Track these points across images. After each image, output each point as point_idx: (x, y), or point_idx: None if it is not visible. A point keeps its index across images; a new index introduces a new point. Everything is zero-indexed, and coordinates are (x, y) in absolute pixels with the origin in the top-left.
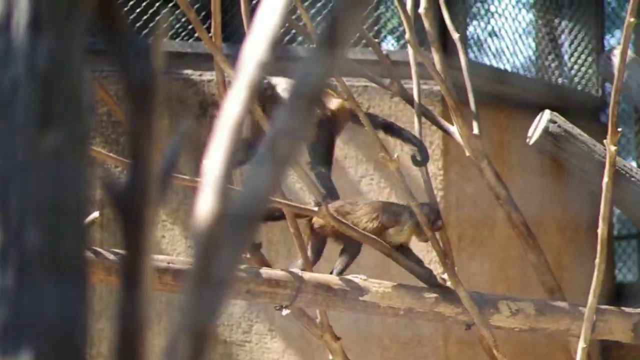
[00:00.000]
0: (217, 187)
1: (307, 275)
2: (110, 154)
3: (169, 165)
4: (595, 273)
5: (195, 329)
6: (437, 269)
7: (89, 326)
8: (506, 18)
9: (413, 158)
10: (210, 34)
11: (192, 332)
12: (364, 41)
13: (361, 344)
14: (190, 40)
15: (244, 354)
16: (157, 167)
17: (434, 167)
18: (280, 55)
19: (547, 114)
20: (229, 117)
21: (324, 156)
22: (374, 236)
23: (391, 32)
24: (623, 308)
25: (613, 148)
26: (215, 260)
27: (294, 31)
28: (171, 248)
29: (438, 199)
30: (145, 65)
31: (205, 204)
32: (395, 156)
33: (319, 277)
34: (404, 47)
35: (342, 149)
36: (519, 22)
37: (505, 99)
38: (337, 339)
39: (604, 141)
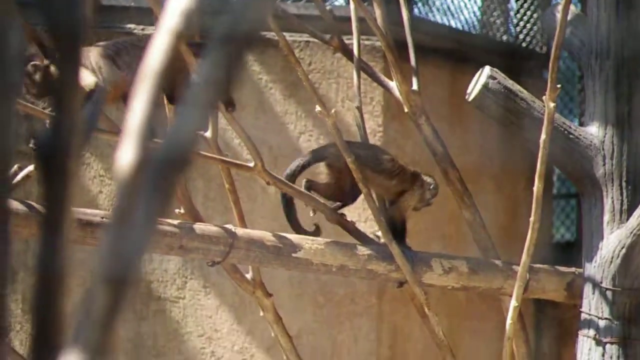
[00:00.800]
0: (139, 135)
1: (240, 231)
2: (39, 108)
3: (93, 116)
4: (530, 231)
5: (113, 277)
6: (372, 227)
7: (10, 275)
8: None
9: None
10: None
11: (110, 280)
12: None
13: (295, 302)
14: None
15: (177, 311)
16: (80, 118)
17: (374, 123)
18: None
19: (486, 70)
20: (151, 66)
21: None
22: (315, 197)
23: None
24: (557, 267)
25: (552, 105)
26: (136, 207)
27: None
28: (109, 203)
29: None
30: (72, 14)
31: (127, 151)
32: (333, 111)
33: (253, 234)
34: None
35: (282, 104)
36: None
37: (449, 55)
38: (269, 295)
39: (543, 98)
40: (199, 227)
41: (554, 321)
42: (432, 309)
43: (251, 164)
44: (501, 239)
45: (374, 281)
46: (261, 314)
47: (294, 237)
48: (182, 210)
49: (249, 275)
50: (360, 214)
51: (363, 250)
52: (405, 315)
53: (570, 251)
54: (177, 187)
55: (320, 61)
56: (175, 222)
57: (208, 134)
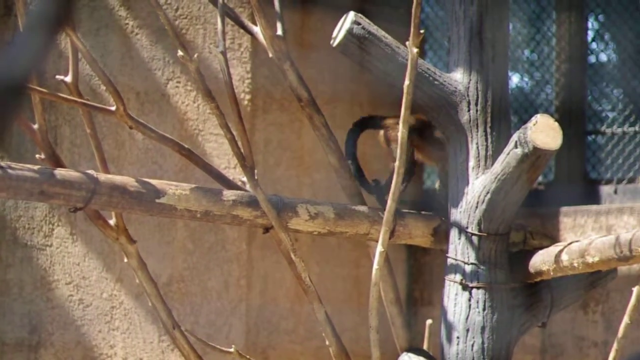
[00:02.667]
0: None
1: (102, 177)
2: None
3: None
4: (395, 176)
5: None
6: (241, 174)
7: None
8: None
9: None
10: None
11: None
12: None
13: (164, 248)
14: None
15: (44, 258)
16: None
17: (242, 69)
18: None
19: (351, 15)
20: None
21: None
22: None
23: None
24: (424, 212)
25: (415, 50)
26: None
27: None
28: None
29: (244, 103)
30: None
31: None
32: (195, 56)
33: (115, 179)
34: None
35: (149, 50)
36: None
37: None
38: (133, 242)
39: (406, 43)
40: (59, 172)
41: (424, 267)
42: (300, 255)
43: (113, 108)
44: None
45: (244, 228)
46: (125, 260)
47: (157, 182)
48: (42, 156)
49: (112, 222)
50: (229, 160)
51: (228, 196)
52: (275, 262)
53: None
54: (17, 116)
55: (187, 7)
56: (35, 167)
57: (68, 78)
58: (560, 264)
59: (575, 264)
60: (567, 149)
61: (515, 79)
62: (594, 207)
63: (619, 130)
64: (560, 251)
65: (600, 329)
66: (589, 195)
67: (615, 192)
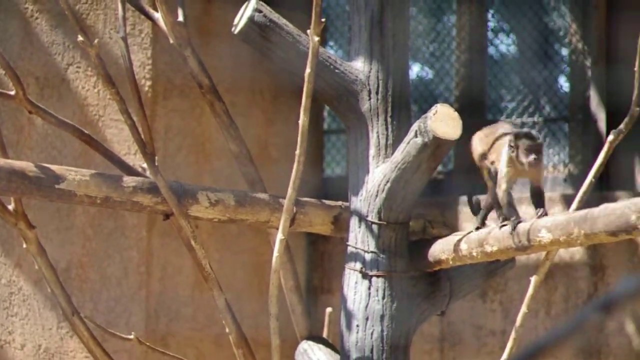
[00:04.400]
0: None
1: (1, 161)
2: None
3: None
4: (295, 165)
5: None
6: (141, 160)
7: None
8: None
9: None
10: None
11: None
12: None
13: (63, 234)
14: None
15: None
16: None
17: (143, 55)
18: None
19: (252, 2)
20: None
21: None
22: None
23: None
24: (324, 201)
25: (316, 38)
26: None
27: None
28: None
29: (145, 89)
30: None
31: None
32: (96, 42)
33: (14, 164)
34: None
35: (49, 35)
36: None
37: None
38: (32, 227)
39: (308, 31)
40: None
41: (325, 255)
42: (200, 242)
43: (12, 92)
44: (269, 173)
45: (144, 214)
46: (24, 245)
47: (56, 168)
48: None
49: (11, 207)
50: (130, 146)
51: (128, 182)
52: (175, 249)
53: (340, 186)
54: None
55: None
56: None
57: None
58: (459, 253)
59: (474, 253)
60: (467, 138)
61: (416, 69)
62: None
63: (518, 120)
64: (460, 240)
65: (498, 317)
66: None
67: None
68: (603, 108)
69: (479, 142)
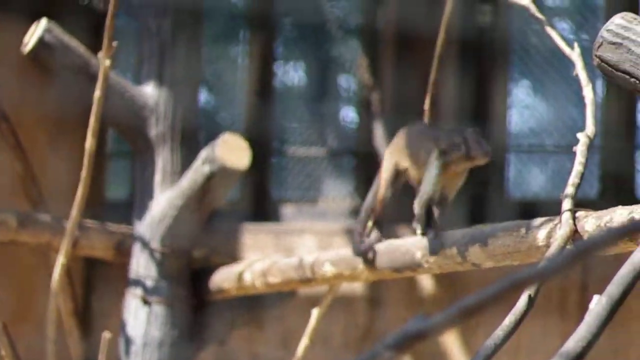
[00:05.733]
0: None
1: None
2: None
3: None
4: (80, 187)
5: None
6: None
7: None
8: None
9: None
10: None
11: None
12: None
13: None
14: None
15: None
16: None
17: None
18: None
19: (43, 22)
20: None
21: None
22: None
23: None
24: (108, 224)
25: (107, 62)
26: None
27: None
28: None
29: None
30: None
31: None
32: None
33: None
34: None
35: None
36: None
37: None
38: None
39: (98, 55)
40: None
41: (105, 279)
42: None
43: None
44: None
45: None
46: None
47: None
48: None
49: None
50: None
51: None
52: None
53: (125, 210)
54: None
55: None
56: None
57: None
58: (242, 282)
59: (257, 284)
60: (252, 167)
61: (205, 97)
62: (275, 226)
63: (302, 151)
64: (243, 270)
65: (276, 347)
66: (272, 214)
67: (297, 212)
68: (388, 143)
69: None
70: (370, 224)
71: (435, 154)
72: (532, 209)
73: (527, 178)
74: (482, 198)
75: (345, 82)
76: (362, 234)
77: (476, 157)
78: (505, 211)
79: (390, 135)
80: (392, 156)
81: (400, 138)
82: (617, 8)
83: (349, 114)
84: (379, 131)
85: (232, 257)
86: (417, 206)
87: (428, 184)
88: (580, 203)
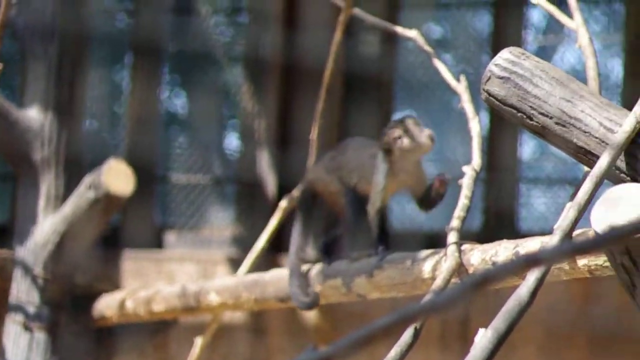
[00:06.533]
0: None
1: None
2: None
3: None
4: None
5: None
6: None
7: None
8: None
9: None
10: None
11: None
12: None
13: None
14: None
15: None
16: None
17: None
18: None
19: None
20: None
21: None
22: None
23: None
24: None
25: None
26: None
27: None
28: None
29: None
30: None
31: None
32: None
33: None
34: None
35: None
36: None
37: None
38: None
39: None
40: None
41: None
42: None
43: None
44: None
45: None
46: None
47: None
48: None
49: None
50: None
51: None
52: None
53: (5, 235)
54: None
55: None
56: None
57: None
58: (124, 310)
59: (140, 312)
60: (136, 194)
61: (90, 121)
62: (158, 253)
63: (185, 178)
64: (125, 297)
65: None
66: (155, 241)
67: (179, 239)
68: (274, 172)
69: (324, 172)
70: (306, 266)
71: (380, 156)
72: (417, 240)
73: (412, 209)
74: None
75: (230, 109)
76: (303, 283)
77: (421, 143)
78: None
79: (276, 164)
80: (333, 174)
81: (339, 156)
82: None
83: (232, 142)
84: (263, 159)
85: (115, 284)
86: (371, 214)
87: (376, 190)
88: (463, 235)
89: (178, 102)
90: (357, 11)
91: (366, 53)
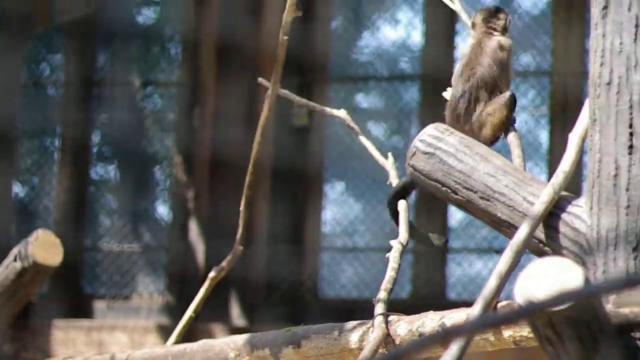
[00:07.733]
0: None
1: None
2: None
3: None
4: None
5: None
6: None
7: None
8: None
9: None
10: None
11: None
12: None
13: None
14: None
15: None
16: None
17: None
18: None
19: None
20: None
21: None
22: None
23: None
24: None
25: None
26: None
27: None
28: None
29: None
30: None
31: None
32: None
33: None
34: None
35: None
36: None
37: None
38: None
39: None
40: None
41: None
42: None
43: None
44: None
45: None
46: None
47: None
48: None
49: None
50: None
51: None
52: None
53: None
54: None
55: None
56: None
57: None
58: None
59: None
60: (64, 263)
61: (19, 190)
62: (86, 322)
63: (115, 247)
64: None
65: None
66: (83, 309)
67: (109, 308)
68: (202, 240)
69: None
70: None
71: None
72: (346, 308)
73: (340, 277)
74: (296, 298)
75: (160, 177)
76: None
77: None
78: (318, 310)
79: (205, 233)
80: None
81: None
82: (429, 113)
83: (162, 210)
84: (192, 228)
85: (43, 353)
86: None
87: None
88: (391, 303)
89: (108, 170)
90: (283, 92)
91: (296, 125)
